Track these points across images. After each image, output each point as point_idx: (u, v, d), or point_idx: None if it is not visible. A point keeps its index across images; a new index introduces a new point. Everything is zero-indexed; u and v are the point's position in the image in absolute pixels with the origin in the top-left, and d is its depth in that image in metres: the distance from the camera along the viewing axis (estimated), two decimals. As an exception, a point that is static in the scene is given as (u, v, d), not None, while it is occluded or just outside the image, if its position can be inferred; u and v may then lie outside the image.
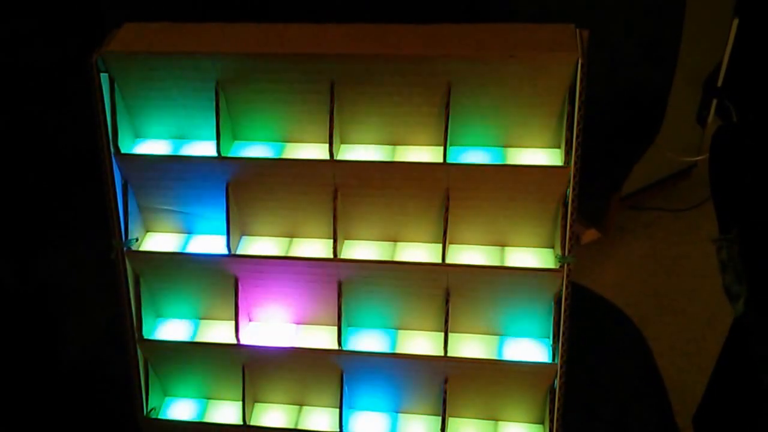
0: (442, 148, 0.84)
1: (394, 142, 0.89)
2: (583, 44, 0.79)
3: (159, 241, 0.95)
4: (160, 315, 0.98)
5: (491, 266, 0.88)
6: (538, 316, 0.89)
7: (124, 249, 0.91)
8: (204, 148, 0.90)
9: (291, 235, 0.93)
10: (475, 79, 0.82)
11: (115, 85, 0.87)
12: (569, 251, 0.84)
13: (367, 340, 0.92)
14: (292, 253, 0.92)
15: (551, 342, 0.87)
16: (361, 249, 0.91)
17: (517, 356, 0.89)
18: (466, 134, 0.87)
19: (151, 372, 0.97)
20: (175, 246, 0.94)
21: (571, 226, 0.83)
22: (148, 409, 0.97)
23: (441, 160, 0.84)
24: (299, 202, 0.90)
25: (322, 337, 0.93)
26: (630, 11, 1.40)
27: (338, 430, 0.93)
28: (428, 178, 0.85)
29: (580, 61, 0.78)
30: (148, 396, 0.97)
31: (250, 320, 0.96)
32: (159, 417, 0.98)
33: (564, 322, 0.85)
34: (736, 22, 1.74)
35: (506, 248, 0.90)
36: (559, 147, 0.85)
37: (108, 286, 0.93)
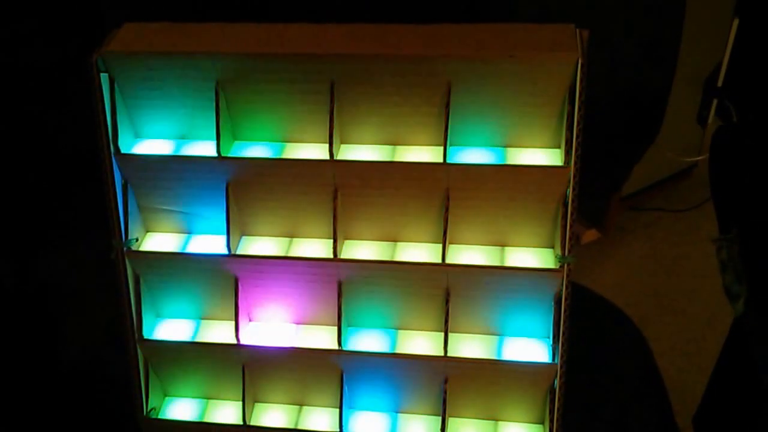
0: (442, 148, 0.84)
1: (394, 142, 0.89)
2: (583, 44, 0.79)
3: (159, 241, 0.95)
4: (160, 315, 0.98)
5: (491, 266, 0.88)
6: (538, 316, 0.89)
7: (124, 249, 0.91)
8: (204, 148, 0.90)
9: (291, 235, 0.93)
10: (475, 79, 0.82)
11: (115, 85, 0.87)
12: (569, 251, 0.84)
13: (367, 340, 0.92)
14: (292, 253, 0.92)
15: (551, 342, 0.87)
16: (361, 249, 0.91)
17: (517, 356, 0.89)
18: (466, 134, 0.87)
19: (151, 372, 0.97)
20: (175, 246, 0.94)
21: (571, 226, 0.83)
22: (148, 409, 0.97)
23: (441, 160, 0.84)
24: (299, 202, 0.90)
25: (322, 337, 0.93)
26: (630, 11, 1.40)
27: (338, 430, 0.93)
28: (428, 178, 0.85)
29: (580, 61, 0.78)
30: (148, 396, 0.97)
31: (250, 320, 0.96)
32: (159, 417, 0.98)
33: (564, 322, 0.85)
34: (736, 22, 1.74)
35: (506, 248, 0.90)
36: (559, 147, 0.85)
37: (108, 286, 0.93)
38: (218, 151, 0.87)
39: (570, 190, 0.83)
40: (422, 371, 0.91)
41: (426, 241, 0.91)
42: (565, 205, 0.83)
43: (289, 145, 0.91)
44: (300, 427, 0.96)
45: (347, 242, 0.92)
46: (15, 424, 1.15)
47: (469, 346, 0.91)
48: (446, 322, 0.87)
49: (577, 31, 0.82)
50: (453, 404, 0.92)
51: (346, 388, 0.92)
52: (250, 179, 0.89)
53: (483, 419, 0.95)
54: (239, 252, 0.91)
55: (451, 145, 0.85)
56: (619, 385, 1.06)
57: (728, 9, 1.73)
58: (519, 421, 0.94)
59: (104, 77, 0.86)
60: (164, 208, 0.93)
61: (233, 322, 0.91)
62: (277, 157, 0.89)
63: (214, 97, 0.86)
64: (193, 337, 0.96)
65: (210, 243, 0.93)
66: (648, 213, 2.01)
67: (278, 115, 0.89)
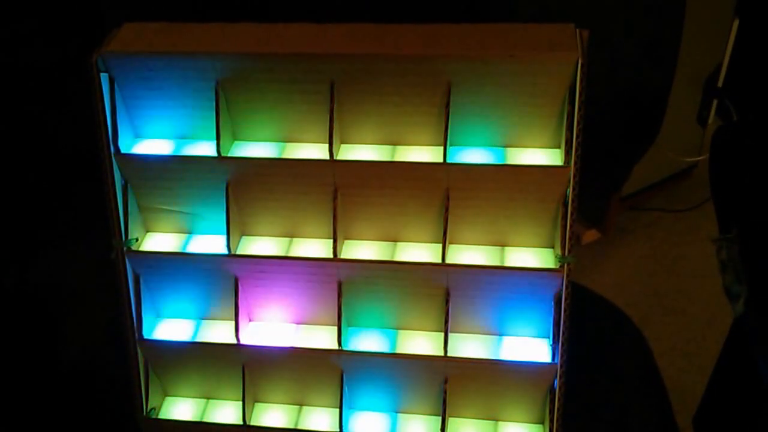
0: (442, 148, 0.84)
1: (394, 142, 0.89)
2: (583, 44, 0.79)
3: (159, 241, 0.95)
4: (160, 315, 0.98)
5: (491, 266, 0.88)
6: (538, 316, 0.89)
7: (124, 249, 0.91)
8: (204, 148, 0.90)
9: (291, 235, 0.93)
10: (475, 79, 0.82)
11: (115, 85, 0.87)
12: (569, 251, 0.84)
13: (367, 340, 0.92)
14: (292, 253, 0.92)
15: (551, 342, 0.87)
16: (361, 249, 0.91)
17: (517, 356, 0.89)
18: (466, 134, 0.87)
19: (151, 372, 0.97)
20: (175, 246, 0.94)
21: (571, 226, 0.83)
22: (148, 409, 0.97)
23: (441, 160, 0.84)
24: (299, 202, 0.90)
25: (322, 337, 0.93)
26: (630, 11, 1.39)
27: (338, 430, 0.93)
28: (428, 178, 0.85)
29: (580, 61, 0.78)
30: (148, 396, 0.97)
31: (250, 320, 0.96)
32: (159, 417, 0.98)
33: (564, 322, 0.85)
34: (736, 22, 1.74)
35: (506, 248, 0.90)
36: (559, 147, 0.85)
37: (108, 286, 0.93)
38: (218, 151, 0.87)
39: (570, 190, 0.83)
40: (422, 371, 0.91)
41: (426, 241, 0.91)
42: (565, 205, 0.83)
43: (289, 145, 0.91)
44: (300, 427, 0.96)
45: (347, 242, 0.92)
46: (15, 424, 1.15)
47: (469, 346, 0.91)
48: (446, 322, 0.87)
49: (577, 31, 0.82)
50: (453, 404, 0.92)
51: (346, 388, 0.92)
52: (250, 179, 0.89)
53: (483, 419, 0.95)
54: (239, 252, 0.91)
55: (451, 145, 0.85)
56: (619, 385, 1.06)
57: (728, 9, 1.73)
58: (519, 421, 0.94)
59: (104, 77, 0.86)
60: (164, 208, 0.93)
61: (233, 322, 0.91)
62: (277, 157, 0.89)
63: (214, 97, 0.86)
64: (193, 337, 0.96)
65: (210, 243, 0.93)
66: (648, 213, 2.01)
67: (278, 115, 0.89)
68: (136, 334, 0.94)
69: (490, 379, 0.90)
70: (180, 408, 0.99)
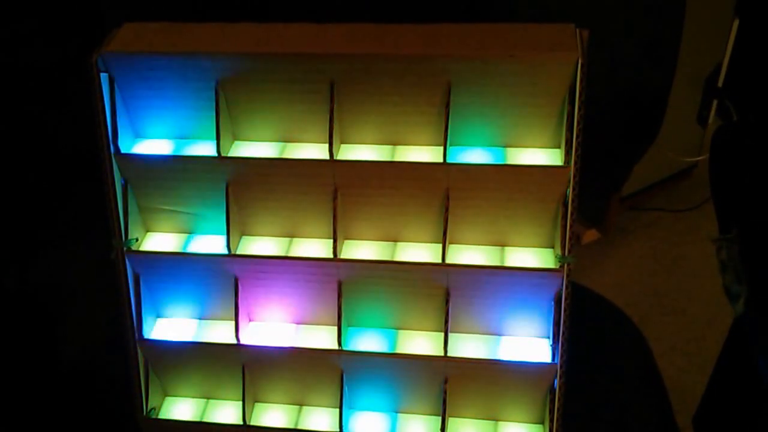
0: (442, 148, 0.84)
1: (394, 142, 0.89)
2: (583, 44, 0.79)
3: (159, 241, 0.95)
4: (160, 315, 0.98)
5: (491, 266, 0.88)
6: (538, 316, 0.89)
7: (124, 249, 0.91)
8: (204, 148, 0.90)
9: (291, 235, 0.93)
10: (475, 79, 0.82)
11: (115, 85, 0.87)
12: (569, 251, 0.84)
13: (367, 340, 0.92)
14: (292, 253, 0.92)
15: (551, 342, 0.87)
16: (361, 249, 0.91)
17: (517, 356, 0.89)
18: (466, 134, 0.87)
19: (151, 372, 0.97)
20: (175, 246, 0.94)
21: (571, 226, 0.83)
22: (148, 409, 0.97)
23: (441, 160, 0.84)
24: (299, 202, 0.90)
25: (322, 337, 0.93)
26: (630, 11, 1.39)
27: (338, 430, 0.93)
28: (428, 178, 0.85)
29: (580, 61, 0.78)
30: (148, 396, 0.97)
31: (250, 320, 0.96)
32: (159, 417, 0.98)
33: (564, 322, 0.85)
34: (736, 22, 1.73)
35: (506, 248, 0.90)
36: (559, 147, 0.85)
37: (108, 286, 0.93)
38: (218, 151, 0.87)
39: (570, 190, 0.83)
40: (422, 371, 0.91)
41: (426, 241, 0.91)
42: (565, 205, 0.83)
43: (289, 145, 0.91)
44: (300, 427, 0.96)
45: (347, 242, 0.92)
46: (15, 424, 1.15)
47: (469, 346, 0.91)
48: (446, 322, 0.87)
49: (577, 31, 0.82)
50: (453, 404, 0.92)
51: (346, 388, 0.92)
52: (250, 179, 0.89)
53: (483, 419, 0.95)
54: (239, 252, 0.91)
55: (451, 145, 0.85)
56: (619, 385, 1.06)
57: (728, 9, 1.72)
58: (519, 421, 0.94)
59: (104, 77, 0.86)
60: (164, 208, 0.93)
61: (233, 322, 0.91)
62: (277, 157, 0.89)
63: (214, 97, 0.86)
64: (193, 337, 0.96)
65: (210, 243, 0.93)
66: (648, 213, 2.01)
67: (278, 115, 0.89)
68: (136, 334, 0.94)
69: (490, 379, 0.90)
70: (180, 408, 0.99)
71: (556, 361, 0.87)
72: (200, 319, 0.97)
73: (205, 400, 1.00)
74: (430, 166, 0.85)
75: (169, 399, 1.00)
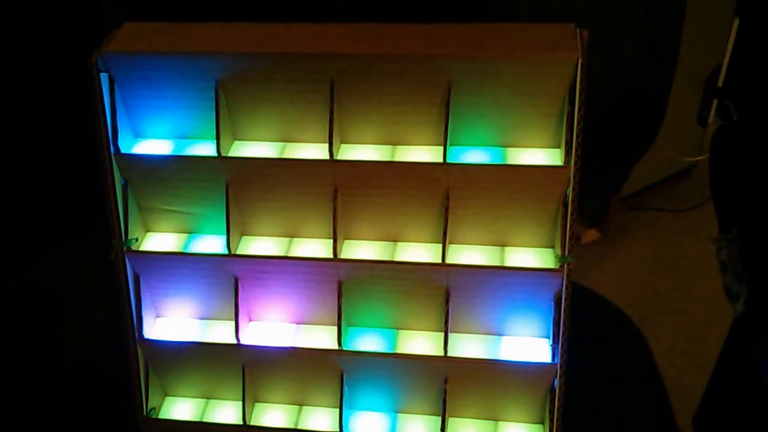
0: (442, 148, 0.84)
1: (394, 142, 0.89)
2: (583, 44, 0.79)
3: (159, 241, 0.95)
4: (160, 315, 0.98)
5: (491, 266, 0.88)
6: (538, 316, 0.89)
7: (124, 249, 0.91)
8: (204, 148, 0.90)
9: (291, 235, 0.93)
10: (475, 79, 0.82)
11: (115, 85, 0.87)
12: (569, 251, 0.84)
13: (367, 340, 0.92)
14: (292, 253, 0.92)
15: (551, 342, 0.87)
16: (361, 249, 0.91)
17: (517, 356, 0.89)
18: (466, 134, 0.87)
19: (151, 372, 0.97)
20: (175, 246, 0.94)
21: (571, 226, 0.83)
22: (148, 409, 0.97)
23: (441, 160, 0.84)
24: (299, 202, 0.90)
25: (322, 337, 0.93)
26: (630, 11, 1.40)
27: (338, 430, 0.93)
28: (428, 178, 0.85)
29: (580, 61, 0.78)
30: (148, 396, 0.97)
31: (250, 320, 0.96)
32: (159, 417, 0.98)
33: (564, 322, 0.85)
34: (736, 22, 1.74)
35: (506, 248, 0.90)
36: (559, 147, 0.85)
37: (108, 286, 0.93)
38: (218, 151, 0.87)
39: (570, 190, 0.83)
40: (422, 371, 0.91)
41: (426, 241, 0.91)
42: (565, 205, 0.83)
43: (289, 145, 0.91)
44: (300, 427, 0.96)
45: (347, 242, 0.92)
46: (15, 424, 1.15)
47: (469, 346, 0.91)
48: (446, 322, 0.87)
49: (577, 30, 0.82)
50: (453, 404, 0.92)
51: (346, 388, 0.92)
52: (250, 179, 0.89)
53: (483, 419, 0.95)
54: (239, 252, 0.91)
55: (451, 145, 0.85)
56: (619, 385, 1.06)
57: (728, 9, 1.72)
58: (519, 421, 0.94)
59: (104, 77, 0.86)
60: (164, 208, 0.93)
61: (233, 322, 0.91)
62: (277, 157, 0.89)
63: (214, 97, 0.86)
64: (193, 337, 0.96)
65: (210, 243, 0.93)
66: (648, 213, 2.01)
67: (278, 115, 0.89)
68: (136, 334, 0.94)
69: (490, 379, 0.90)
70: (180, 408, 0.99)
71: (556, 361, 0.87)
72: (200, 319, 0.97)
73: (205, 400, 1.00)
74: (430, 166, 0.85)
75: (169, 399, 1.01)
